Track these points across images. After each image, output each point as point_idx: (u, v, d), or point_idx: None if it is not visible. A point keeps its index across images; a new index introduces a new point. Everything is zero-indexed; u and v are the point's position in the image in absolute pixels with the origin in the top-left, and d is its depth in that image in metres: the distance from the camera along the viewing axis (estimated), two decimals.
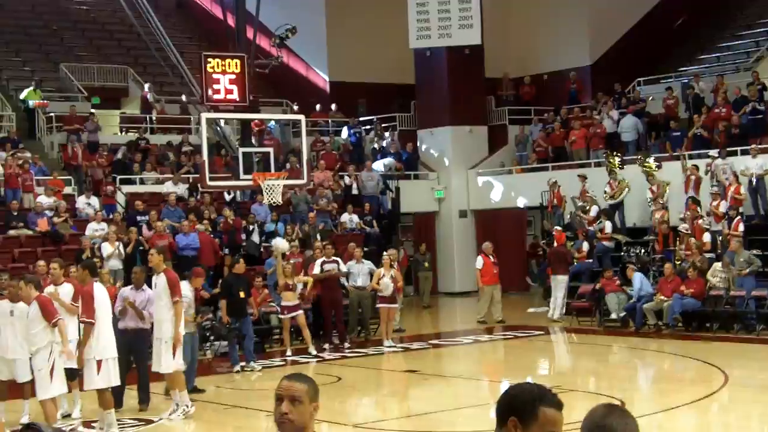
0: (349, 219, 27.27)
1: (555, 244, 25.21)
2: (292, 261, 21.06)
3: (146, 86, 32.72)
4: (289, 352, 19.56)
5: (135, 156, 28.62)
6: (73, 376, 13.12)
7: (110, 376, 12.55)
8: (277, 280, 20.41)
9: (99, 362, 12.42)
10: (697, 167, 24.58)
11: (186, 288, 15.12)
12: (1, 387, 13.52)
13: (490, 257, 24.02)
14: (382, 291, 20.66)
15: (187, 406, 13.86)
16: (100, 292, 12.74)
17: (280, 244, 21.18)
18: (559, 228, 25.86)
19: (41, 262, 16.97)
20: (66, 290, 13.37)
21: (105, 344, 12.51)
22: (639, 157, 26.27)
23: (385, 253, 22.00)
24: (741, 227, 22.41)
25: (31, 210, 24.02)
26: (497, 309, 24.08)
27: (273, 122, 31.10)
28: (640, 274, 22.38)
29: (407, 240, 31.42)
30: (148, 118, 32.10)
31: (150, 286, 14.24)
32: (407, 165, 32.49)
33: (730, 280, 21.10)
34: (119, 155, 28.72)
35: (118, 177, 27.23)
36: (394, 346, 20.59)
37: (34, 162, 26.35)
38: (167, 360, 13.65)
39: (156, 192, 26.92)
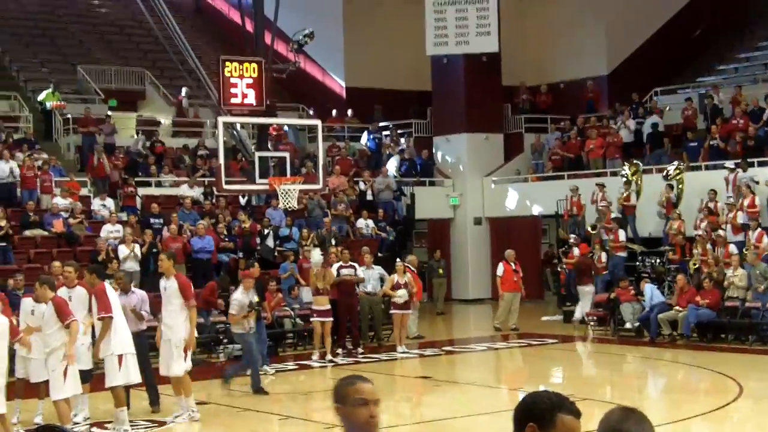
0: (365, 225, 27.27)
1: (578, 253, 25.27)
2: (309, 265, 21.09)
3: (183, 91, 32.59)
4: (315, 356, 19.57)
5: (149, 159, 28.66)
6: (86, 378, 13.14)
7: (130, 372, 12.65)
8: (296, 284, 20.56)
9: (120, 357, 12.52)
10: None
11: (239, 293, 15.70)
12: (18, 385, 13.55)
13: (512, 264, 23.99)
14: (397, 298, 20.65)
15: (194, 411, 13.82)
16: (111, 291, 12.90)
17: (314, 258, 21.16)
18: (575, 236, 25.83)
19: (56, 263, 16.98)
20: (79, 293, 13.35)
21: (123, 338, 12.61)
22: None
23: (398, 259, 21.91)
24: (765, 240, 22.31)
25: (48, 211, 24.10)
26: (513, 316, 24.05)
27: (287, 126, 31.12)
28: (650, 284, 22.34)
29: (421, 246, 31.36)
30: (172, 122, 32.06)
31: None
32: (423, 171, 32.48)
33: (751, 276, 20.95)
34: (139, 146, 28.91)
35: (135, 180, 27.25)
36: (408, 353, 20.57)
37: (52, 163, 26.41)
38: (178, 363, 13.66)
39: (172, 195, 26.99)
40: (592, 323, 23.57)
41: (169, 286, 13.79)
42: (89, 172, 27.25)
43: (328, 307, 19.67)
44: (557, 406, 3.56)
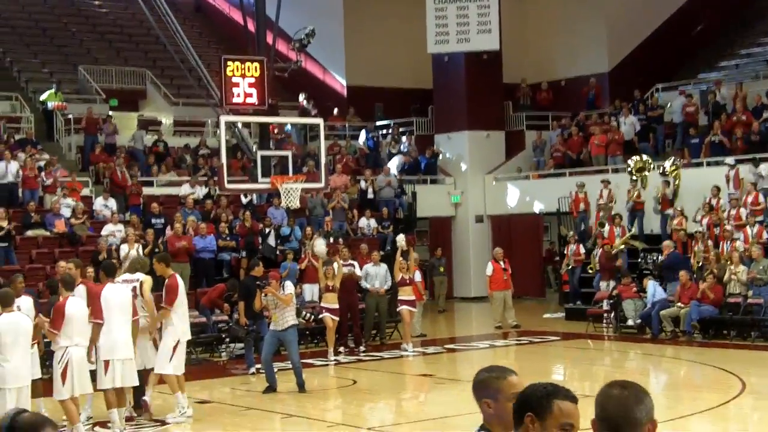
0: (367, 224, 27.28)
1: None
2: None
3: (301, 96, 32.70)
4: (330, 355, 19.66)
5: (150, 158, 28.68)
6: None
7: (115, 377, 12.56)
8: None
9: (106, 363, 12.49)
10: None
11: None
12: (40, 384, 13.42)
13: (501, 263, 23.99)
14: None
15: (183, 408, 13.82)
16: (111, 292, 12.77)
17: (318, 248, 21.10)
18: (573, 233, 25.75)
19: (62, 263, 17.00)
20: (80, 291, 13.36)
21: (114, 344, 12.53)
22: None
23: (401, 258, 21.75)
24: (765, 235, 22.32)
25: (50, 211, 24.10)
26: (510, 314, 24.10)
27: (290, 126, 31.12)
28: (653, 281, 22.33)
29: (422, 245, 31.34)
30: (210, 122, 31.79)
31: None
32: (426, 170, 32.49)
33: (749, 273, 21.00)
34: (143, 140, 28.90)
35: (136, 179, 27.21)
36: (413, 351, 20.57)
37: (53, 163, 26.39)
38: (167, 363, 13.67)
39: (173, 194, 26.98)
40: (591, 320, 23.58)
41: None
42: (110, 186, 26.62)
43: (336, 305, 19.75)
44: (552, 394, 3.65)
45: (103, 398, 12.93)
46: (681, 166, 25.44)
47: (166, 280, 13.94)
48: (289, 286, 16.00)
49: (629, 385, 3.61)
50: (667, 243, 23.27)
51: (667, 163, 25.45)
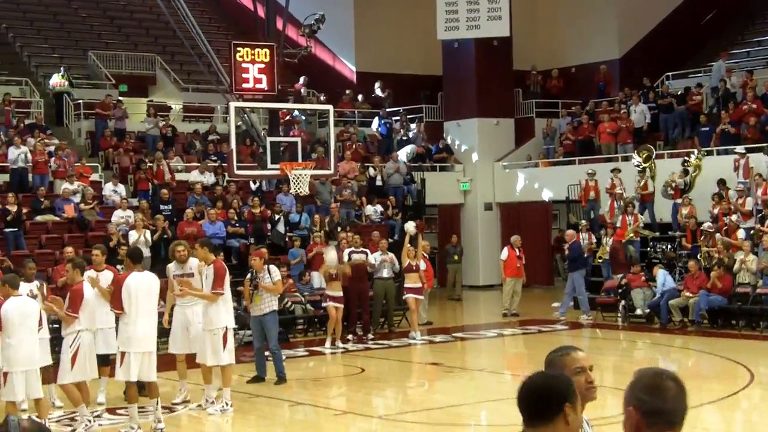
0: (374, 210, 27.25)
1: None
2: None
3: (301, 79, 32.58)
4: (328, 343, 19.61)
5: (159, 144, 28.67)
6: (106, 362, 13.20)
7: (131, 370, 12.12)
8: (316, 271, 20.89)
9: (122, 354, 12.26)
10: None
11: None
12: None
13: (516, 250, 23.98)
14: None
15: (227, 404, 13.69)
16: (136, 281, 12.32)
17: (329, 255, 21.00)
18: (585, 222, 25.67)
19: (69, 249, 17.03)
20: (107, 277, 13.35)
21: (129, 337, 12.22)
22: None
23: (408, 245, 21.67)
24: None
25: (60, 196, 24.14)
26: (515, 302, 24.15)
27: (297, 111, 31.08)
28: (663, 270, 22.27)
29: (431, 232, 31.26)
30: (219, 108, 31.71)
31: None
32: (437, 157, 32.42)
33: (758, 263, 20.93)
34: (152, 126, 28.88)
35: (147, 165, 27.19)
36: (421, 339, 20.56)
37: (62, 148, 26.42)
38: (223, 352, 13.61)
39: (182, 180, 26.98)
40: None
41: (208, 273, 13.70)
42: (145, 178, 26.33)
43: (341, 293, 19.68)
44: (567, 380, 3.75)
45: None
46: (704, 157, 25.27)
47: (213, 264, 13.68)
48: (275, 271, 15.68)
49: (674, 375, 3.57)
50: (570, 233, 23.33)
51: (694, 154, 25.29)
